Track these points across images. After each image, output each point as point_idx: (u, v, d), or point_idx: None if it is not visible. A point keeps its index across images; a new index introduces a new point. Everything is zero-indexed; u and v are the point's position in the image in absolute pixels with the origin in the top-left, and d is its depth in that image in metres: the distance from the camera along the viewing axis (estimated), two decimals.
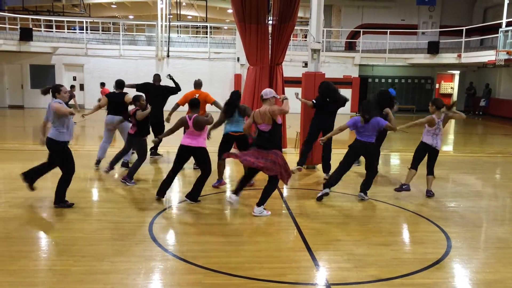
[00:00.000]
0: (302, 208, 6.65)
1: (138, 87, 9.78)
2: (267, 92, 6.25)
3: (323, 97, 8.33)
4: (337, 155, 8.88)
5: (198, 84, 9.26)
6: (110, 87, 9.02)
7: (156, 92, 9.68)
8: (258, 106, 9.92)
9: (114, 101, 8.89)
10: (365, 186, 7.12)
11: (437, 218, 6.29)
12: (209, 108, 9.02)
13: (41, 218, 6.04)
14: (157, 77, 10.03)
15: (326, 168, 8.58)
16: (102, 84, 17.71)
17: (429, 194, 7.39)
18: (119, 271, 4.43)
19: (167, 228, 5.78)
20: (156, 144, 9.77)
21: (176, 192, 7.54)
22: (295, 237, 5.50)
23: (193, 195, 6.68)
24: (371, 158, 7.09)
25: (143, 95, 8.28)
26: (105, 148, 8.97)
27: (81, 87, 21.81)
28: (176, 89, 9.83)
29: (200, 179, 6.68)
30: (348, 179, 8.61)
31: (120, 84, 9.09)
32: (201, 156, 6.74)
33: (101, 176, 8.31)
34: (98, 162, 8.90)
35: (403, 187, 7.35)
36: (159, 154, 10.10)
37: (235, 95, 7.55)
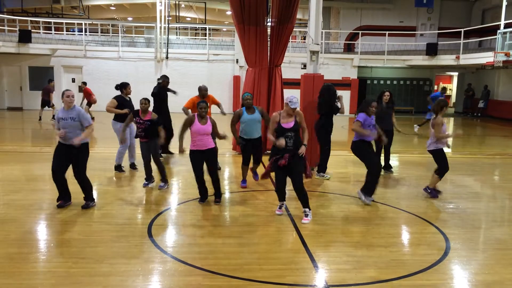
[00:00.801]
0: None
1: None
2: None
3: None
4: (336, 157, 8.90)
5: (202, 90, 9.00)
6: (111, 89, 8.92)
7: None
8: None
9: None
10: (364, 188, 7.01)
11: (436, 220, 6.30)
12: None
13: (40, 220, 6.03)
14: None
15: (322, 169, 8.62)
16: (84, 83, 17.89)
17: (425, 189, 7.51)
18: (118, 273, 4.43)
19: (166, 230, 5.78)
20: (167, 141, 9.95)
21: (175, 194, 7.55)
22: (294, 239, 5.51)
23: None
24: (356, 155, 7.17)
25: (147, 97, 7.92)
26: (122, 153, 8.82)
27: (80, 89, 21.77)
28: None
29: None
30: (347, 181, 8.63)
31: (116, 86, 8.97)
32: None
33: (101, 178, 8.30)
34: (116, 167, 8.82)
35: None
36: (171, 153, 10.32)
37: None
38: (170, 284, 4.30)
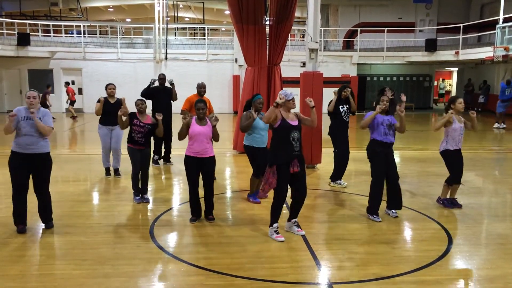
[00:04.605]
0: (303, 207, 6.63)
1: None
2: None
3: None
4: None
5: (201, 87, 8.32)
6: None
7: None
8: None
9: None
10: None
11: (438, 216, 6.30)
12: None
13: (41, 222, 6.01)
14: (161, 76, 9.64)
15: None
16: (66, 83, 19.24)
17: (437, 200, 6.96)
18: (120, 274, 4.43)
19: (168, 230, 5.77)
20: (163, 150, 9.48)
21: (177, 195, 7.54)
22: (296, 237, 5.50)
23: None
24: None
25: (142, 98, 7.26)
26: (105, 157, 8.60)
27: (80, 91, 21.80)
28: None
29: None
30: (348, 178, 8.61)
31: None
32: None
33: (101, 180, 8.30)
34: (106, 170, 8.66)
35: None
36: (170, 162, 9.56)
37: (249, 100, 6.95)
38: (172, 284, 4.29)
